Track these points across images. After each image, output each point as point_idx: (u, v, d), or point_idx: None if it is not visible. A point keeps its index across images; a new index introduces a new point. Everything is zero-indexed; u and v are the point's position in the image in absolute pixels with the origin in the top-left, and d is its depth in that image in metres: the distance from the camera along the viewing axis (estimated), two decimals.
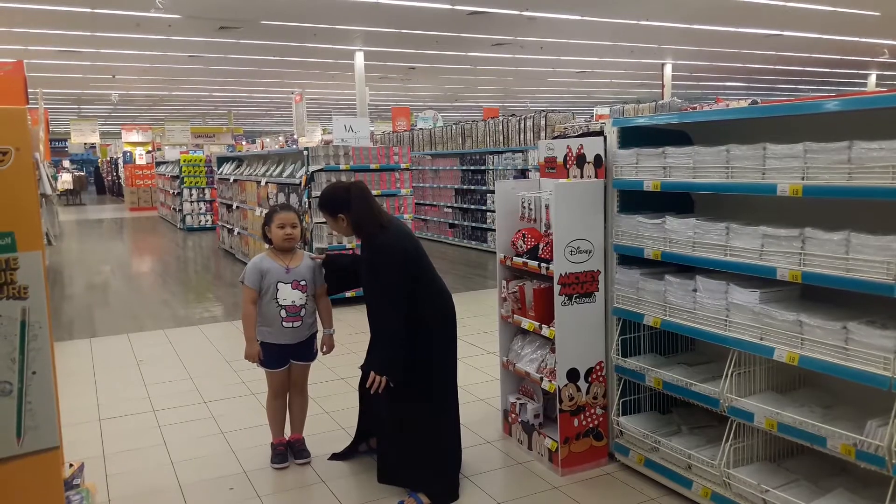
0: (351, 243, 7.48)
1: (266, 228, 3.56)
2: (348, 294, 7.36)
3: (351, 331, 6.21)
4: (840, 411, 2.70)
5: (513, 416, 3.80)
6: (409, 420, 3.19)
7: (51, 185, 11.13)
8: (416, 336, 3.11)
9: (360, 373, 3.67)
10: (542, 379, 3.51)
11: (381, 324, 3.15)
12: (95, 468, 3.57)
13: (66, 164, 31.90)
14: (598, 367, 3.47)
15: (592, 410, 3.47)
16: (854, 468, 2.68)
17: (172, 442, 3.96)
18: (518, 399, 3.79)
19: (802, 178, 2.54)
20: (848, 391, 2.80)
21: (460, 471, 3.36)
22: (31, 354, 2.33)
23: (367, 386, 3.05)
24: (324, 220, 7.43)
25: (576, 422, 3.42)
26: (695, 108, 8.79)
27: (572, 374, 3.40)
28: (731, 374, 2.84)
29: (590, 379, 3.45)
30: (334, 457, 3.62)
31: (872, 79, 23.89)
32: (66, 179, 27.27)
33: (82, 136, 24.43)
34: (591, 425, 3.47)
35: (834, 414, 2.66)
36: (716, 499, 2.92)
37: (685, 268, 3.14)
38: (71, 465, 2.78)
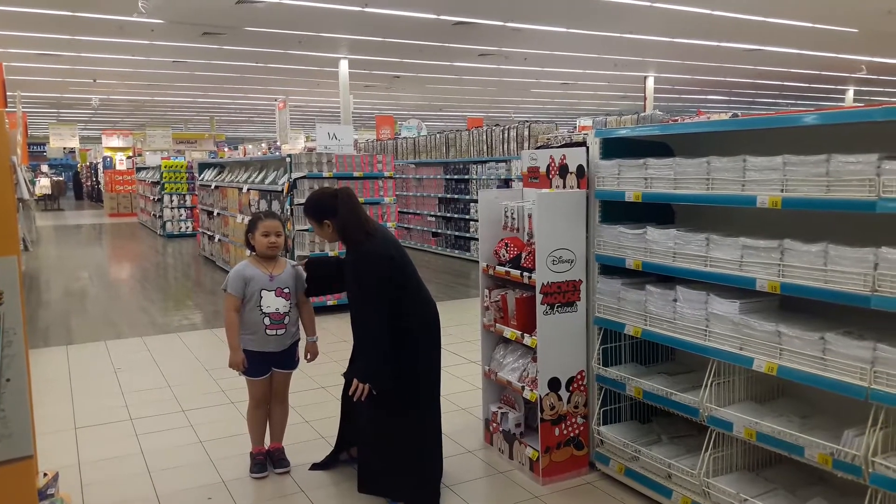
0: (333, 251, 7.45)
1: (249, 235, 3.52)
2: (329, 301, 7.36)
3: (333, 339, 6.17)
4: (818, 421, 2.72)
5: (494, 425, 3.79)
6: (391, 428, 3.17)
7: (28, 189, 10.99)
8: (401, 344, 3.10)
9: (341, 381, 3.64)
10: (523, 388, 3.51)
11: (365, 331, 3.13)
12: (71, 477, 3.51)
13: (45, 168, 31.50)
14: (579, 377, 3.47)
15: (573, 420, 3.47)
16: (832, 477, 2.71)
17: (150, 451, 3.90)
18: (499, 408, 3.78)
19: (782, 191, 2.58)
20: (826, 401, 2.83)
21: (441, 480, 3.35)
22: (6, 361, 2.28)
23: (350, 394, 3.04)
24: (307, 227, 7.43)
25: (557, 431, 3.42)
26: (676, 120, 8.89)
27: (553, 384, 3.40)
28: (711, 384, 2.86)
29: (571, 388, 3.45)
30: (315, 467, 3.60)
31: (850, 94, 24.35)
32: (44, 184, 26.91)
33: (61, 141, 24.16)
34: (571, 434, 3.48)
35: (812, 424, 2.69)
36: None
37: (666, 278, 3.16)
38: (45, 475, 2.72)
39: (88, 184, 33.25)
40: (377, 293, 3.06)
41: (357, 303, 3.16)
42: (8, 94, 9.01)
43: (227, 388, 4.96)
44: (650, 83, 20.09)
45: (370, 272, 3.08)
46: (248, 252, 3.60)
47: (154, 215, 17.30)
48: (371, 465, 3.27)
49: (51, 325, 7.08)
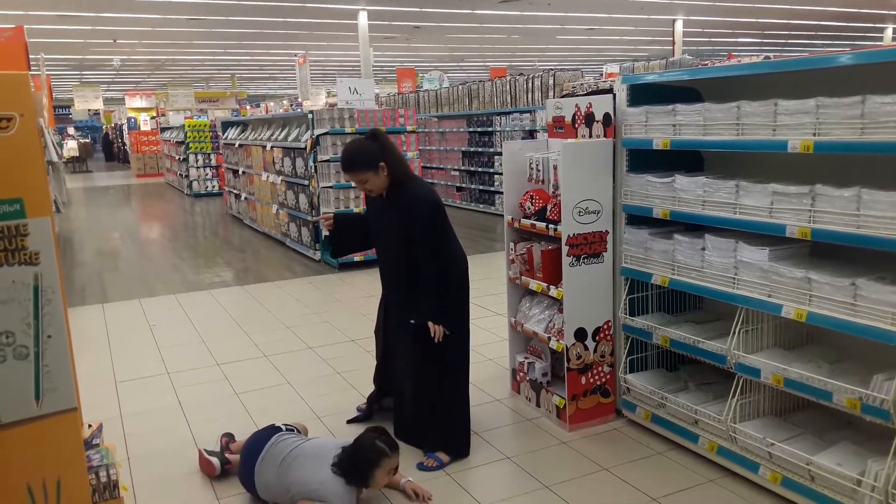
0: (359, 208, 7.48)
1: (370, 471, 2.77)
2: (356, 258, 7.43)
3: (361, 294, 6.26)
4: (846, 366, 2.72)
5: (521, 374, 3.85)
6: (432, 377, 3.23)
7: (57, 152, 11.13)
8: None
9: (370, 334, 3.71)
10: (549, 339, 3.54)
11: (437, 274, 3.12)
12: (114, 428, 3.66)
13: (71, 131, 31.82)
14: (605, 327, 3.49)
15: (600, 368, 3.51)
16: (859, 422, 2.71)
17: (188, 403, 4.03)
18: (526, 358, 3.83)
19: (814, 135, 2.51)
20: (855, 347, 2.82)
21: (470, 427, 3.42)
22: (46, 319, 2.36)
23: (433, 336, 3.07)
24: (332, 183, 7.46)
25: (583, 379, 3.46)
26: (706, 64, 8.65)
27: (580, 334, 3.42)
28: (739, 332, 2.85)
29: (597, 338, 3.47)
30: (352, 421, 3.66)
31: (889, 33, 23.35)
32: (71, 147, 27.22)
33: (86, 103, 24.30)
34: (598, 383, 3.51)
35: (840, 369, 2.68)
36: (722, 452, 2.97)
37: (693, 226, 3.13)
38: (90, 426, 2.84)
39: (115, 145, 33.58)
40: (445, 230, 3.13)
41: (425, 244, 3.12)
42: (31, 57, 9.04)
43: (261, 342, 5.08)
44: (679, 26, 19.47)
45: (433, 212, 3.11)
46: (343, 478, 2.77)
47: (180, 175, 17.46)
48: (408, 414, 3.35)
49: (87, 285, 7.27)
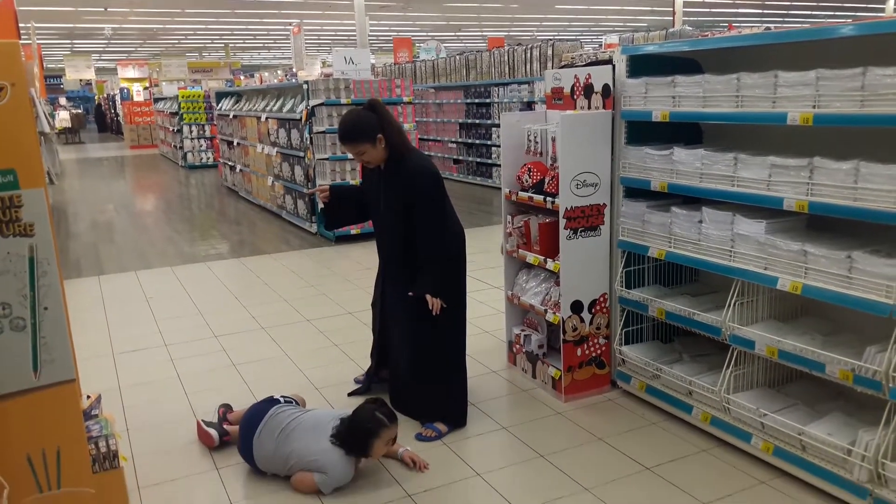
0: (355, 180, 7.45)
1: (368, 441, 2.80)
2: (353, 231, 7.42)
3: (358, 267, 6.26)
4: (840, 339, 2.74)
5: (517, 346, 3.87)
6: (430, 348, 3.25)
7: (49, 122, 11.01)
8: None
9: (367, 307, 3.72)
10: (546, 311, 3.55)
11: (435, 245, 3.12)
12: (112, 400, 3.68)
13: (63, 101, 31.46)
14: (601, 299, 3.50)
15: (595, 340, 3.53)
16: (851, 393, 2.75)
17: (186, 374, 4.06)
18: (523, 331, 3.85)
19: (814, 107, 2.50)
20: (849, 319, 2.84)
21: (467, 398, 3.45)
22: (42, 291, 2.36)
23: (430, 309, 3.08)
24: (327, 155, 7.41)
25: (579, 351, 3.49)
26: (706, 35, 8.56)
27: (576, 306, 3.44)
28: (734, 304, 2.87)
29: (593, 310, 3.49)
30: (353, 393, 3.68)
31: (890, 4, 23.08)
32: (63, 117, 26.93)
33: (77, 73, 24.01)
34: (593, 354, 3.54)
35: (834, 341, 2.70)
36: (715, 423, 3.01)
37: (691, 199, 3.13)
38: (88, 397, 2.85)
39: (108, 116, 33.24)
40: (444, 204, 3.12)
41: (425, 218, 3.11)
42: (21, 25, 8.91)
43: (258, 314, 5.09)
44: None
45: (432, 185, 3.10)
46: (342, 448, 2.80)
47: (174, 146, 17.32)
48: (405, 386, 3.38)
49: (82, 257, 7.25)
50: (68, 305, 2.46)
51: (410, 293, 3.15)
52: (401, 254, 3.24)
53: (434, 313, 3.09)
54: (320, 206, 3.52)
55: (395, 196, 3.16)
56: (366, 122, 3.09)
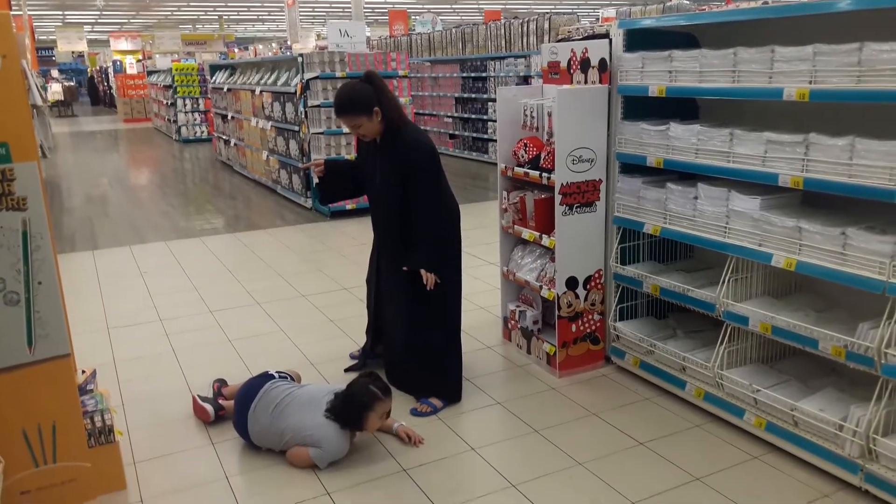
0: (350, 155, 7.40)
1: (361, 414, 2.81)
2: (348, 206, 7.39)
3: (353, 242, 6.25)
4: (833, 315, 2.75)
5: (512, 322, 3.88)
6: (426, 322, 3.26)
7: (41, 95, 10.87)
8: None
9: (362, 283, 3.72)
10: (541, 287, 3.56)
11: (431, 220, 3.11)
12: (107, 374, 3.69)
13: (55, 74, 31.06)
14: (596, 275, 3.51)
15: (590, 316, 3.54)
16: (843, 369, 2.77)
17: (181, 349, 4.06)
18: (518, 307, 3.86)
19: (810, 82, 2.48)
20: (842, 296, 2.85)
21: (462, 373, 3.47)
22: (36, 265, 2.35)
23: (425, 283, 3.07)
24: (322, 129, 7.36)
25: (573, 327, 3.50)
26: (703, 9, 8.47)
27: (571, 282, 3.44)
28: (728, 280, 2.88)
29: (588, 286, 3.50)
30: (349, 370, 3.70)
31: None
32: (55, 90, 26.61)
33: (69, 45, 23.70)
34: (588, 330, 3.55)
35: (827, 318, 2.72)
36: (708, 399, 3.03)
37: (687, 175, 3.12)
38: (83, 372, 2.86)
39: (101, 89, 32.88)
40: (440, 178, 3.11)
41: (422, 194, 3.09)
42: None
43: (253, 290, 5.09)
44: None
45: (429, 159, 3.08)
46: (337, 423, 2.81)
47: (168, 120, 17.17)
48: (400, 361, 3.39)
49: (76, 231, 7.22)
50: (62, 280, 2.45)
51: (405, 267, 3.14)
52: (396, 228, 3.23)
53: (428, 288, 3.09)
54: (315, 180, 3.47)
55: (392, 169, 3.13)
56: (362, 94, 3.06)
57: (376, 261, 3.51)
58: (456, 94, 11.73)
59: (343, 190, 3.54)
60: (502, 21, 11.01)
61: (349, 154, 7.42)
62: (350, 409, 2.80)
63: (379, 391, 2.85)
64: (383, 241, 3.38)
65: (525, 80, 9.94)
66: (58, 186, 10.20)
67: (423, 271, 3.08)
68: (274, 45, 21.28)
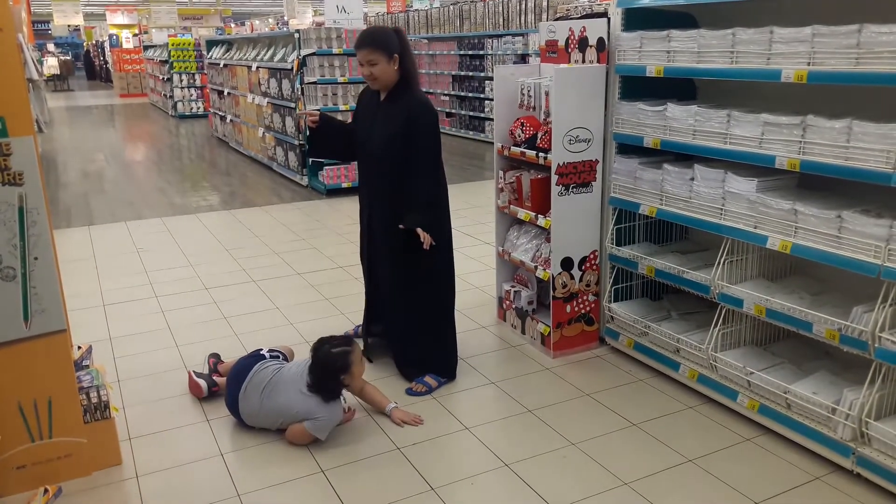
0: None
1: (343, 376, 2.86)
2: (344, 184, 7.37)
3: (349, 221, 6.24)
4: (828, 298, 2.76)
5: (507, 302, 3.89)
6: (420, 302, 3.25)
7: (37, 69, 10.74)
8: None
9: (357, 261, 3.71)
10: (536, 268, 3.56)
11: (427, 183, 3.09)
12: (103, 350, 3.70)
13: (51, 47, 30.73)
14: (591, 256, 3.51)
15: (585, 297, 3.55)
16: (837, 352, 2.79)
17: (176, 326, 4.07)
18: (513, 287, 3.87)
19: (808, 64, 2.47)
20: (837, 279, 2.86)
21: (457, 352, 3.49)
22: (32, 240, 2.35)
23: (422, 242, 2.99)
24: (318, 107, 7.29)
25: (568, 308, 3.51)
26: None
27: (566, 263, 3.45)
28: (724, 262, 2.88)
29: (583, 267, 3.50)
30: None
31: None
32: (51, 64, 26.35)
33: (65, 18, 23.37)
34: (582, 311, 3.57)
35: (822, 301, 2.73)
36: (702, 380, 3.05)
37: (683, 156, 3.11)
38: (79, 348, 2.87)
39: (97, 63, 32.54)
40: (440, 146, 3.10)
41: (424, 156, 3.07)
42: None
43: (249, 267, 5.09)
44: None
45: (433, 122, 3.09)
46: (319, 396, 2.84)
47: (164, 95, 17.03)
48: (395, 341, 3.40)
49: (72, 207, 7.20)
50: (58, 255, 2.45)
51: (401, 226, 3.04)
52: (389, 191, 3.15)
53: (425, 247, 3.00)
54: (307, 131, 3.42)
55: (394, 126, 3.08)
56: (389, 36, 3.08)
57: (367, 231, 3.41)
58: (453, 72, 11.64)
59: (335, 144, 3.45)
60: None
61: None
62: (325, 382, 2.83)
63: (341, 348, 2.86)
64: (376, 207, 3.28)
65: (523, 58, 9.87)
66: (53, 161, 10.14)
67: (419, 230, 3.00)
68: (271, 20, 21.04)
